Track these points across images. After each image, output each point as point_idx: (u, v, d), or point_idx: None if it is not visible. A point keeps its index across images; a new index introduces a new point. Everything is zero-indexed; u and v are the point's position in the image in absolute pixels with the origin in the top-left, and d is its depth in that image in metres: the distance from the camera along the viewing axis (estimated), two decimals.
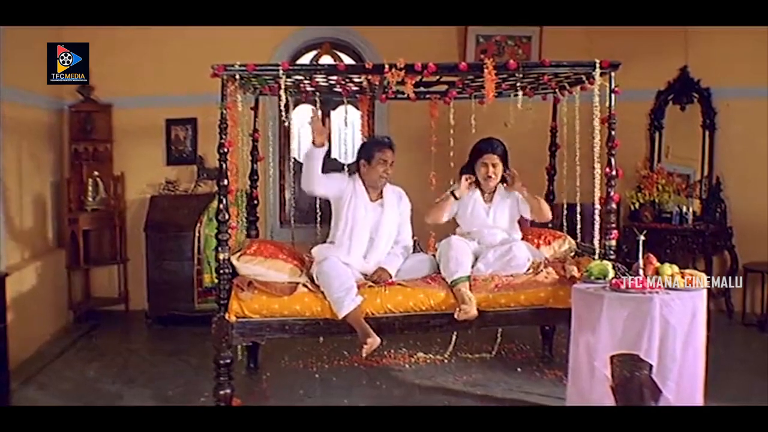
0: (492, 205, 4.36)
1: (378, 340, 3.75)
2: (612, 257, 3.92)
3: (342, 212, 4.15)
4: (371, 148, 4.23)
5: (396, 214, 4.26)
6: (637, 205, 6.16)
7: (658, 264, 3.61)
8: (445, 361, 4.86)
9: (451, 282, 3.94)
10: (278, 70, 3.88)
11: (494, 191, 4.39)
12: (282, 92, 3.97)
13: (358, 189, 4.19)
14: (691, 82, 6.15)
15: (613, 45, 5.49)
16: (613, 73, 3.90)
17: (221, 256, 3.89)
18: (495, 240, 4.29)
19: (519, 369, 4.68)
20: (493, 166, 4.29)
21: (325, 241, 4.31)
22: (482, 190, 4.39)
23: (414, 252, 4.41)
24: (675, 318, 3.32)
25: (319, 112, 4.05)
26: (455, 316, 3.84)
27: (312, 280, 3.98)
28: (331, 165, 6.26)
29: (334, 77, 4.26)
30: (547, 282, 4.01)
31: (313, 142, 3.96)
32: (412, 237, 4.42)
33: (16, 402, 4.13)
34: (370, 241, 4.16)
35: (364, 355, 3.79)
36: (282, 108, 4.00)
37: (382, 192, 4.24)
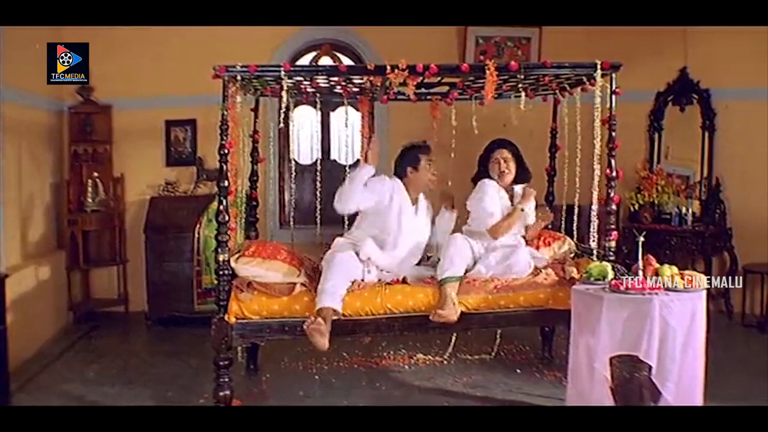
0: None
1: (326, 345, 3.61)
2: (611, 258, 3.91)
3: (391, 217, 4.15)
4: (415, 153, 4.24)
5: (428, 220, 4.33)
6: (636, 206, 6.17)
7: (657, 265, 3.61)
8: (445, 362, 4.86)
9: (440, 280, 3.92)
10: (280, 72, 3.87)
11: (512, 192, 4.37)
12: (284, 93, 3.96)
13: (403, 195, 4.22)
14: (691, 83, 6.16)
15: (613, 46, 5.50)
16: (614, 75, 3.90)
17: (221, 258, 3.88)
18: (498, 245, 4.21)
19: (518, 370, 4.68)
20: (505, 161, 4.29)
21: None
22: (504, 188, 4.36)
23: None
24: (674, 319, 3.32)
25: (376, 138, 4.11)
26: (430, 317, 3.82)
27: (311, 281, 3.97)
28: (329, 165, 6.32)
29: (336, 78, 4.25)
30: (547, 283, 4.01)
31: (366, 160, 4.05)
32: None
33: (16, 403, 4.12)
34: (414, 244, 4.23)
35: (305, 329, 3.63)
36: (283, 109, 4.00)
37: (417, 199, 4.29)
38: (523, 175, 4.38)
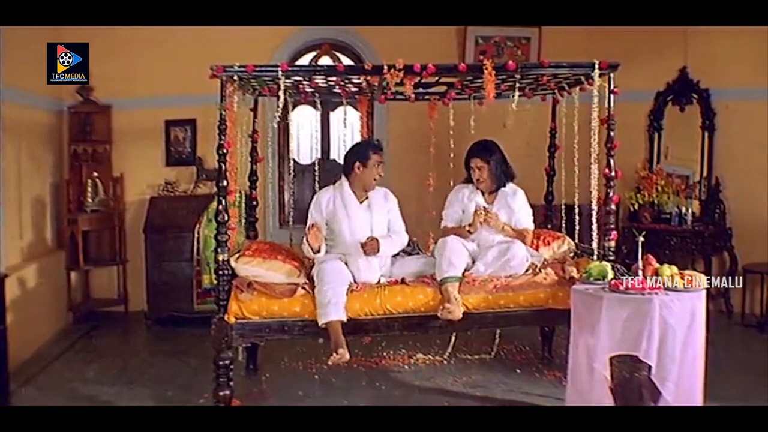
0: (492, 207, 4.34)
1: (348, 356, 3.70)
2: (611, 258, 3.92)
3: (340, 224, 4.14)
4: (366, 150, 4.20)
5: (384, 212, 4.26)
6: (636, 206, 6.17)
7: (657, 265, 3.61)
8: (445, 362, 4.86)
9: (440, 281, 3.93)
10: (277, 71, 3.88)
11: (496, 193, 4.38)
12: (281, 93, 3.96)
13: (346, 195, 4.18)
14: (691, 83, 6.16)
15: (613, 46, 5.51)
16: (612, 74, 3.90)
17: (220, 257, 3.88)
18: (493, 242, 4.25)
19: (518, 370, 4.68)
20: (478, 169, 4.31)
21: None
22: (482, 191, 4.39)
23: (413, 252, 4.43)
24: (674, 319, 3.32)
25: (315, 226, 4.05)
26: (438, 314, 3.82)
27: (312, 281, 3.97)
28: (329, 165, 6.32)
29: (334, 78, 4.25)
30: (547, 283, 4.01)
31: (312, 249, 4.02)
32: (411, 238, 4.42)
33: (16, 403, 4.13)
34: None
35: (330, 363, 3.77)
36: (280, 109, 4.00)
37: (366, 194, 4.24)
38: (504, 178, 4.36)
